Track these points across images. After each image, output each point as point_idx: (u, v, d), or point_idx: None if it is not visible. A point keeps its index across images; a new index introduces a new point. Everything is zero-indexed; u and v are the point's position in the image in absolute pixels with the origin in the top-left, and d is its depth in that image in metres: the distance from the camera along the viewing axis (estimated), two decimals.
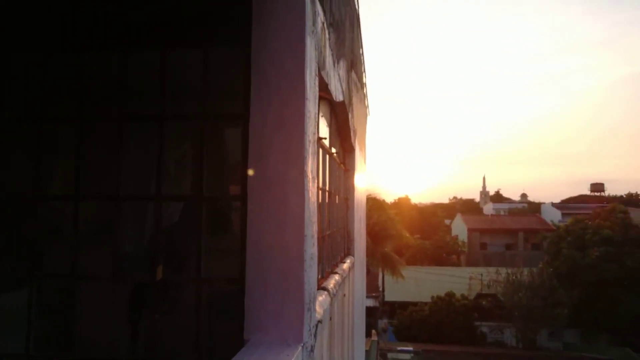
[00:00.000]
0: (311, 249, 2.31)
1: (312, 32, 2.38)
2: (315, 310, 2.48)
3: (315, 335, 2.43)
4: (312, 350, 2.35)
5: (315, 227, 2.44)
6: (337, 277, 3.93)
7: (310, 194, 2.28)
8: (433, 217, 54.03)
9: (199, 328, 2.43)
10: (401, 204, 51.84)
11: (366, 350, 13.78)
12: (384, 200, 30.04)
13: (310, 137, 2.30)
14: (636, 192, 73.74)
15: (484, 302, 26.87)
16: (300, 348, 2.08)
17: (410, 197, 59.85)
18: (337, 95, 3.68)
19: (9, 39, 2.60)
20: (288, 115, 2.19)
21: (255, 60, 2.24)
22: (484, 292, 27.93)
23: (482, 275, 28.63)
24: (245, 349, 2.04)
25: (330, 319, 3.26)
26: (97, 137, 2.63)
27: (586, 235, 26.48)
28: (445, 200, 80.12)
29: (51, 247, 2.69)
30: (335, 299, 3.58)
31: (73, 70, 2.57)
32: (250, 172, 2.23)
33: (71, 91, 2.55)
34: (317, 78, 2.58)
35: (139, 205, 3.01)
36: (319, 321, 2.59)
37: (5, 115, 2.67)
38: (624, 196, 70.49)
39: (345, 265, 4.98)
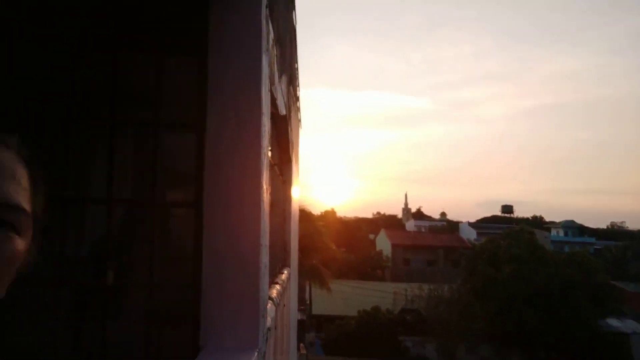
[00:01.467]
0: (265, 258, 2.39)
1: (267, 50, 2.49)
2: (266, 317, 2.54)
3: (266, 342, 2.49)
4: (264, 356, 2.41)
5: (268, 237, 2.52)
6: (278, 286, 4.00)
7: (265, 205, 2.36)
8: (358, 231, 55.27)
9: (149, 334, 2.40)
10: (328, 217, 52.54)
11: None
12: (311, 212, 30.36)
13: (265, 150, 2.39)
14: (541, 215, 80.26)
15: (407, 317, 27.76)
16: (256, 353, 2.14)
17: (335, 210, 60.90)
18: (281, 109, 3.80)
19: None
20: (245, 128, 2.27)
21: (212, 72, 2.30)
22: (407, 307, 28.87)
23: (406, 290, 29.61)
24: (202, 354, 2.07)
25: (275, 327, 3.32)
26: (47, 139, 2.54)
27: (499, 254, 28.29)
28: (369, 215, 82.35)
29: None
30: (279, 309, 3.65)
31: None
32: (206, 179, 2.28)
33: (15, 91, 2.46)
34: (269, 94, 2.68)
35: (85, 208, 2.92)
36: (269, 328, 2.66)
37: None
38: (530, 218, 76.41)
39: (284, 276, 5.05)
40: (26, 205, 0.64)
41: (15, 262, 0.63)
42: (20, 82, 2.52)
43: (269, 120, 2.63)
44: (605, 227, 76.67)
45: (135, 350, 2.44)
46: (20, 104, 2.50)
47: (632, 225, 77.52)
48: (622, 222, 79.40)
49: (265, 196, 2.42)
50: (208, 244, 2.24)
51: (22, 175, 0.65)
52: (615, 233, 67.76)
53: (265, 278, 2.42)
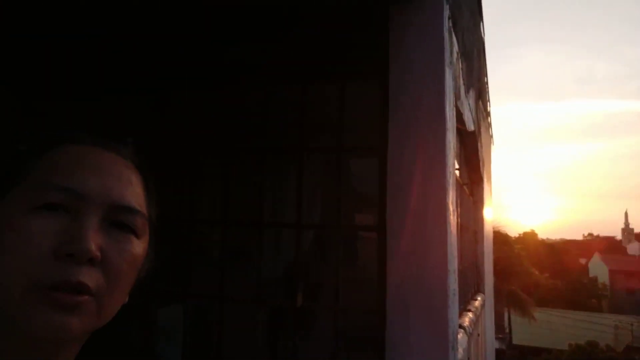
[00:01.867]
0: (454, 284, 2.22)
1: (450, 63, 2.36)
2: (457, 348, 2.36)
3: None
4: None
5: (456, 262, 2.35)
6: (470, 314, 3.72)
7: (451, 227, 2.21)
8: (565, 255, 49.20)
9: (335, 355, 2.43)
10: (527, 239, 48.03)
11: None
12: (507, 234, 28.13)
13: (450, 169, 2.25)
14: None
15: (636, 358, 23.50)
16: None
17: (536, 231, 55.39)
18: (469, 125, 3.58)
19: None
20: (428, 147, 2.16)
21: (393, 92, 2.26)
22: (635, 344, 24.46)
23: (632, 325, 25.18)
24: None
25: (469, 359, 3.08)
26: (240, 167, 2.83)
27: None
28: (578, 236, 72.76)
29: (199, 269, 2.92)
30: (472, 339, 3.39)
31: (217, 105, 2.82)
32: (389, 202, 2.23)
33: (218, 125, 2.79)
34: (454, 109, 2.54)
35: (277, 232, 3.16)
36: (460, 359, 2.46)
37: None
38: None
39: (477, 303, 4.70)
40: (143, 210, 0.66)
41: (135, 265, 0.64)
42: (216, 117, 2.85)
43: (455, 137, 2.48)
44: None
45: None
46: (223, 140, 2.82)
47: None
48: None
49: (452, 218, 2.26)
50: (392, 269, 2.18)
51: (137, 181, 0.67)
52: None
53: (454, 306, 2.25)
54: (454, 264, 2.25)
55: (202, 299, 2.63)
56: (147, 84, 2.88)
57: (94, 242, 0.57)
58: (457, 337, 2.40)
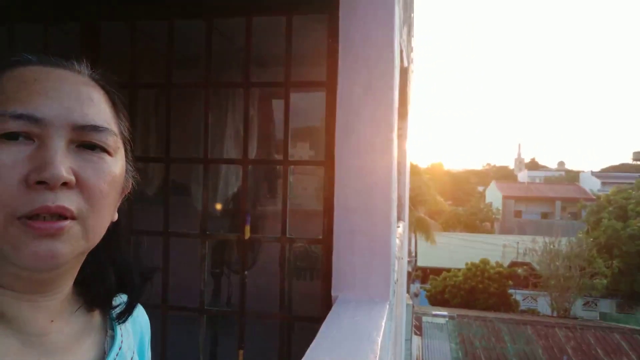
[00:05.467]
0: (394, 212, 2.40)
1: (398, 2, 2.40)
2: (395, 270, 2.59)
3: (394, 294, 2.55)
4: (392, 308, 2.47)
5: (396, 192, 2.52)
6: (398, 241, 4.02)
7: (395, 160, 2.35)
8: (466, 184, 53.46)
9: (282, 285, 2.57)
10: (434, 170, 51.37)
11: None
12: (417, 165, 29.86)
13: (396, 105, 2.35)
14: None
15: (519, 270, 26.74)
16: (387, 305, 2.20)
17: (443, 162, 59.25)
18: (405, 61, 3.68)
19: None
20: (377, 84, 2.24)
21: (343, 28, 2.27)
22: (519, 260, 27.76)
23: (517, 243, 28.39)
24: (337, 305, 2.17)
25: (397, 280, 3.38)
26: (183, 102, 2.74)
27: (628, 206, 25.82)
28: (478, 166, 79.08)
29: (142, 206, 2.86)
30: (399, 262, 3.70)
31: (155, 36, 2.66)
32: (338, 136, 2.31)
33: (156, 58, 2.65)
34: (399, 47, 2.61)
35: (218, 168, 3.14)
36: (396, 281, 2.71)
37: None
38: None
39: (400, 230, 5.07)
40: (111, 126, 0.63)
41: (115, 183, 0.63)
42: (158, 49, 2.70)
43: (398, 74, 2.57)
44: None
45: (271, 300, 2.61)
46: (167, 73, 2.68)
47: None
48: None
49: (395, 151, 2.40)
50: (340, 200, 2.29)
51: (100, 97, 0.64)
52: None
53: (395, 233, 2.44)
54: (395, 194, 2.42)
55: (146, 234, 2.60)
56: (72, 12, 2.62)
57: (64, 166, 0.56)
58: (395, 262, 2.63)
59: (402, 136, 6.05)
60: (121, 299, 0.74)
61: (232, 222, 3.07)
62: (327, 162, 2.36)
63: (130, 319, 0.75)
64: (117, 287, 0.73)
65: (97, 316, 0.72)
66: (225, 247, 3.21)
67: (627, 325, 21.96)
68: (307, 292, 2.65)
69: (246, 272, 2.52)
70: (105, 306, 0.72)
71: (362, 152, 2.25)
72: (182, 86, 2.76)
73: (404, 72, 4.29)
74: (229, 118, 3.12)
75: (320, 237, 2.41)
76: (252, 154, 3.29)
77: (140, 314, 0.81)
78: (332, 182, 2.32)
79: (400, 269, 4.50)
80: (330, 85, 2.32)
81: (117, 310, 0.73)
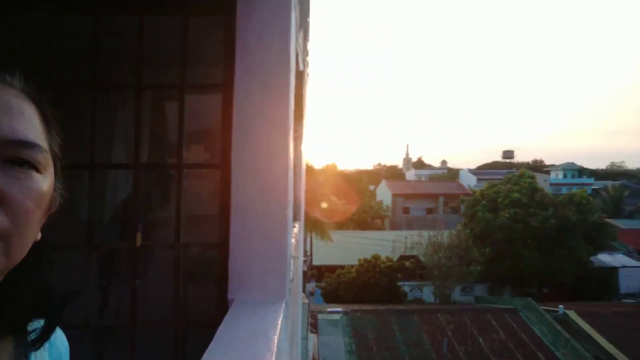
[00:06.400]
0: (291, 213, 2.46)
1: (294, 6, 2.46)
2: (291, 270, 2.66)
3: (289, 293, 2.61)
4: (288, 307, 2.53)
5: (293, 193, 2.59)
6: (293, 240, 4.11)
7: (291, 162, 2.41)
8: (358, 183, 55.61)
9: (177, 292, 2.51)
10: (329, 170, 52.73)
11: None
12: (312, 167, 30.51)
13: (292, 108, 2.42)
14: (541, 159, 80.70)
15: (407, 263, 28.45)
16: (283, 304, 2.25)
17: (337, 163, 61.20)
18: (300, 65, 3.78)
19: None
20: (273, 86, 2.28)
21: (240, 31, 2.28)
22: (407, 253, 29.53)
23: (405, 238, 30.18)
24: (233, 307, 2.18)
25: (292, 279, 3.46)
26: (71, 104, 2.55)
27: (498, 199, 28.72)
28: (369, 166, 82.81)
29: None
30: (295, 261, 3.78)
31: (40, 31, 2.46)
32: (234, 139, 2.31)
33: (43, 54, 2.44)
34: (295, 50, 2.67)
35: (110, 173, 2.97)
36: (291, 280, 2.78)
37: None
38: (531, 162, 76.73)
39: (296, 230, 5.17)
40: (41, 142, 0.61)
41: (42, 201, 0.61)
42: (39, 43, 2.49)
43: (294, 78, 2.64)
44: (604, 168, 77.12)
45: (165, 307, 2.54)
46: (44, 69, 2.49)
47: (630, 164, 78.22)
48: (621, 162, 79.96)
49: (292, 153, 2.46)
50: (236, 202, 2.30)
51: (31, 113, 0.61)
52: (614, 173, 68.24)
53: (291, 233, 2.51)
54: (292, 195, 2.48)
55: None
56: None
57: None
58: (291, 261, 2.69)
59: (298, 138, 6.17)
60: (37, 323, 0.68)
61: (123, 230, 2.91)
62: (223, 164, 2.35)
63: (47, 345, 0.69)
64: (33, 311, 0.67)
65: (9, 343, 0.65)
66: (114, 257, 3.04)
67: (496, 305, 24.53)
68: (203, 298, 2.62)
69: (137, 282, 2.42)
70: (19, 332, 0.66)
71: (258, 154, 2.28)
72: (63, 86, 2.57)
73: (300, 75, 4.40)
74: (118, 120, 2.96)
75: (216, 241, 2.40)
76: (144, 158, 3.16)
77: (58, 339, 0.75)
78: (229, 185, 2.32)
79: (295, 268, 4.60)
80: (226, 88, 2.32)
81: (33, 336, 0.67)
